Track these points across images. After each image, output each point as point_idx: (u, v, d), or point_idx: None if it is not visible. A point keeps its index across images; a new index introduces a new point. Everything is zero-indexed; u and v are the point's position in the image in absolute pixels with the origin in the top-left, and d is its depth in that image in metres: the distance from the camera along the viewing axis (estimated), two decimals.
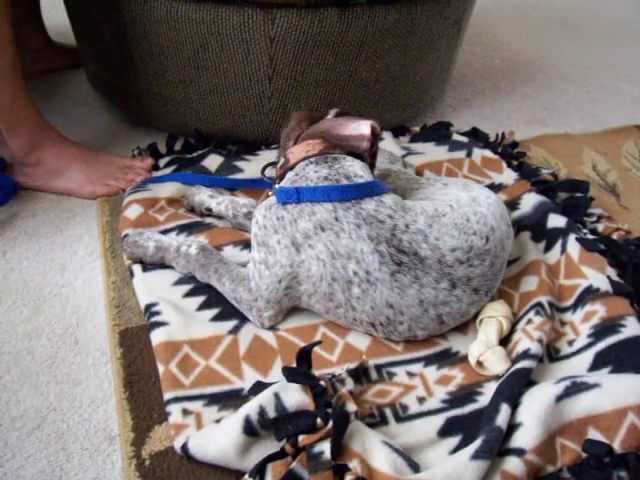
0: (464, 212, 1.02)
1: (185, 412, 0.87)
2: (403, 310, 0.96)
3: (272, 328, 1.01)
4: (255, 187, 1.28)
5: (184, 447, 0.82)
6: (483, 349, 0.96)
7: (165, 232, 1.17)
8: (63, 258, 1.17)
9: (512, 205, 1.28)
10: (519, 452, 0.81)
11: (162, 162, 1.38)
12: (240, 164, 1.34)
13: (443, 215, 1.00)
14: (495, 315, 1.01)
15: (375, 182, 1.00)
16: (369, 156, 1.06)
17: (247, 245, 1.13)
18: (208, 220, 1.22)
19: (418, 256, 0.95)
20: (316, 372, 0.91)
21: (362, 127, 1.04)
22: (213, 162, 1.35)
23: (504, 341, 1.00)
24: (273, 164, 1.07)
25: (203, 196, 1.23)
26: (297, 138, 1.08)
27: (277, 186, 1.02)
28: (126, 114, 1.60)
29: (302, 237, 0.96)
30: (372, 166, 1.09)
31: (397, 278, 0.94)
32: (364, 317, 0.98)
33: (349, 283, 0.95)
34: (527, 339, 0.97)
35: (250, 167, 1.33)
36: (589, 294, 1.06)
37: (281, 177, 1.05)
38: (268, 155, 1.39)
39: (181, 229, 1.18)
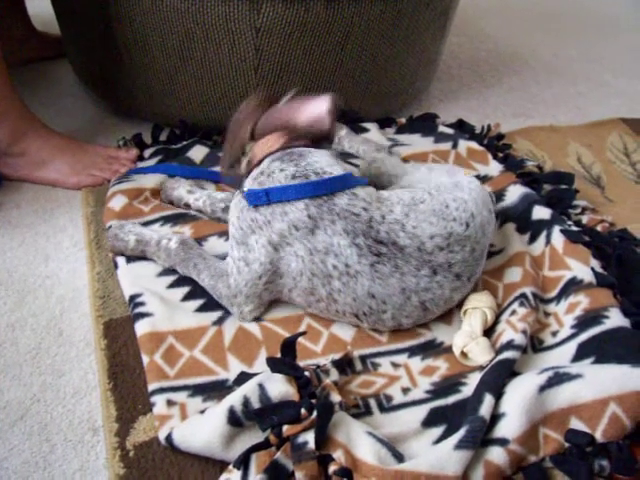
0: (443, 199, 1.01)
1: (169, 403, 0.87)
2: (385, 299, 0.96)
3: (256, 319, 1.01)
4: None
5: (168, 438, 0.82)
6: (467, 340, 0.97)
7: (149, 223, 1.17)
8: (47, 249, 1.16)
9: (497, 197, 1.28)
10: (502, 442, 0.81)
11: (147, 153, 1.38)
12: None
13: (421, 202, 1.00)
14: (479, 306, 1.01)
15: (346, 175, 0.98)
16: (334, 133, 1.04)
17: None
18: (193, 211, 1.21)
19: (397, 245, 0.95)
20: (301, 363, 0.91)
21: (320, 104, 1.01)
22: (198, 153, 1.35)
23: (488, 332, 1.01)
24: (237, 161, 1.05)
25: (181, 191, 1.22)
26: (253, 126, 1.05)
27: (245, 187, 0.99)
28: (111, 104, 1.59)
29: (278, 237, 0.95)
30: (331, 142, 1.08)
31: (377, 269, 0.94)
32: (347, 309, 0.98)
33: (329, 277, 0.95)
34: (511, 330, 0.97)
35: None
36: (573, 285, 1.06)
37: (247, 175, 1.03)
38: None
39: (166, 220, 1.18)
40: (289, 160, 0.98)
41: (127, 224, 1.11)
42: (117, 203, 1.19)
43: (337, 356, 0.94)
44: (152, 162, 1.34)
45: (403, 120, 1.58)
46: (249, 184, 1.00)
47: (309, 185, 0.95)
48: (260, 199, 0.96)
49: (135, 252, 1.08)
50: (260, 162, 1.01)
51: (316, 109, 1.01)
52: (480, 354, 0.95)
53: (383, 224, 0.95)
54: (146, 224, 1.16)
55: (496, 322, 1.02)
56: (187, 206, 1.21)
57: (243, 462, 0.78)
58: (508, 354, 0.92)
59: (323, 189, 0.95)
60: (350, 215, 0.94)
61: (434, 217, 0.98)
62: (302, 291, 0.98)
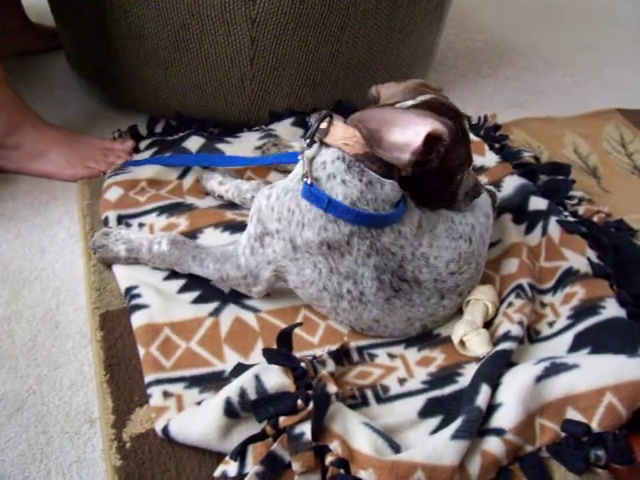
0: (446, 211, 0.99)
1: (166, 394, 0.87)
2: (388, 325, 0.96)
3: (254, 310, 1.01)
4: (238, 164, 1.28)
5: (165, 429, 0.82)
6: (468, 329, 0.96)
7: (146, 213, 1.17)
8: (43, 241, 1.16)
9: (494, 187, 1.28)
10: (499, 432, 0.82)
11: (143, 144, 1.37)
12: (221, 146, 1.33)
13: (436, 222, 0.97)
14: (482, 298, 1.01)
15: (399, 212, 0.91)
16: (410, 167, 0.85)
17: (228, 227, 1.13)
18: (190, 201, 1.21)
19: (417, 281, 0.94)
20: (297, 354, 0.91)
21: (416, 131, 0.83)
22: (194, 144, 1.34)
23: (487, 326, 1.00)
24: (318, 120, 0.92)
25: (213, 183, 1.22)
26: (380, 99, 0.97)
27: (308, 180, 0.89)
28: (106, 96, 1.59)
29: (303, 243, 0.90)
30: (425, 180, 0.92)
31: (391, 302, 0.93)
32: (347, 322, 0.98)
33: (339, 297, 0.94)
34: (507, 322, 0.97)
35: (231, 149, 1.32)
36: (569, 276, 1.07)
37: (310, 142, 0.91)
38: (250, 137, 1.38)
39: (162, 210, 1.17)
40: (358, 178, 0.88)
41: (111, 231, 1.08)
42: (113, 195, 1.19)
43: (334, 347, 0.94)
44: (148, 154, 1.34)
45: None
46: (306, 163, 0.89)
47: (365, 218, 0.88)
48: (318, 201, 0.88)
49: (129, 261, 1.06)
50: (329, 146, 0.90)
51: (409, 134, 0.83)
52: (479, 345, 0.95)
53: (412, 262, 0.92)
54: (142, 214, 1.16)
55: (494, 315, 1.02)
56: (220, 197, 1.22)
57: (240, 453, 0.78)
58: (505, 345, 0.93)
59: (376, 224, 0.89)
60: (387, 253, 0.91)
61: (447, 239, 0.96)
62: (307, 295, 0.97)
